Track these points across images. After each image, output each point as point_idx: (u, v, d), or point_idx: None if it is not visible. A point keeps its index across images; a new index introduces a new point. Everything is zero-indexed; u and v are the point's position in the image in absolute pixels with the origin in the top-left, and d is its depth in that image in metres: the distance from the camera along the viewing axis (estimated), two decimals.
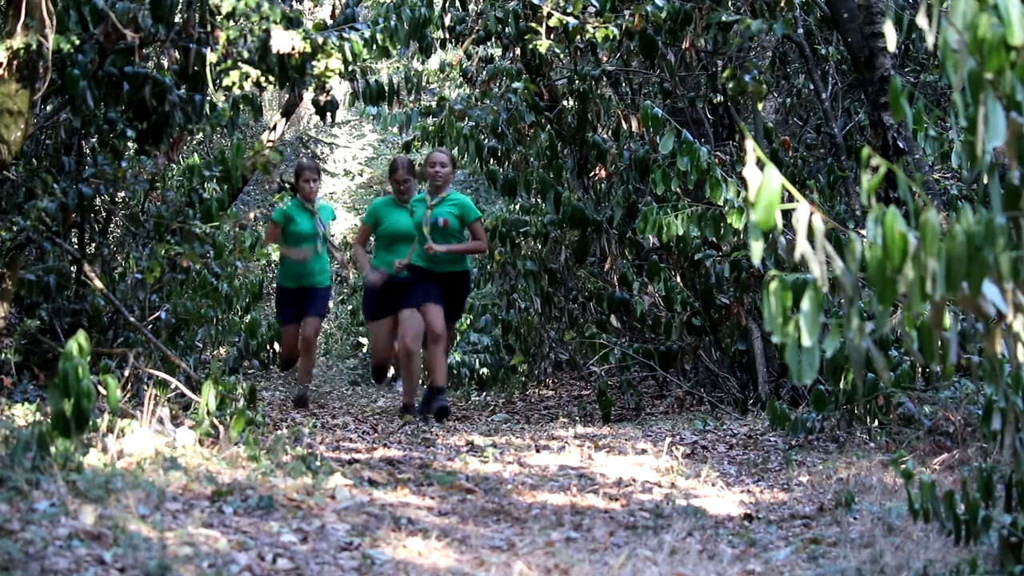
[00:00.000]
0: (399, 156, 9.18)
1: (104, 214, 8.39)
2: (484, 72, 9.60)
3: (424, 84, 11.05)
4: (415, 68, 11.21)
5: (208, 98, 7.32)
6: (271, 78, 6.90)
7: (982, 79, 2.40)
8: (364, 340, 14.40)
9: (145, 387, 5.78)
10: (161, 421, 5.17)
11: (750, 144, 2.46)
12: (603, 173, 9.14)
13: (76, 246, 7.80)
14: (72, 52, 6.15)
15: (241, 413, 5.40)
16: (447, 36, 9.72)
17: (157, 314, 7.36)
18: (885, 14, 7.36)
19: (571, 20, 8.49)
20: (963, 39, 2.39)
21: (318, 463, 5.14)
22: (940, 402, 6.11)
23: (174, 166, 7.93)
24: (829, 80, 9.28)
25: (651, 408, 9.03)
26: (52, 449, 4.10)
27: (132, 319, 6.95)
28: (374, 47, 7.71)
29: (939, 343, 2.60)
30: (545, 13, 8.62)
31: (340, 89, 10.01)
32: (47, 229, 6.90)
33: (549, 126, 9.28)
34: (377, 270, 8.61)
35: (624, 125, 8.98)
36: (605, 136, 9.24)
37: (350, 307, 15.37)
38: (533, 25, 8.79)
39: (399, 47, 8.35)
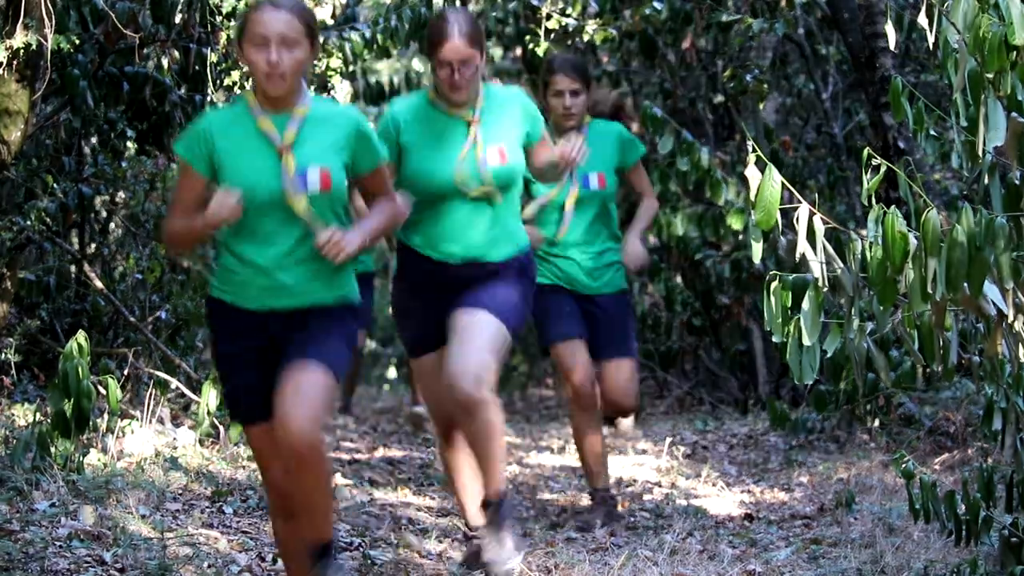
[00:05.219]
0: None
1: (104, 214, 8.38)
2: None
3: (424, 84, 11.04)
4: (415, 68, 11.19)
5: (208, 98, 7.31)
6: None
7: (982, 79, 2.40)
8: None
9: (145, 387, 5.78)
10: (161, 421, 5.18)
11: (751, 144, 2.46)
12: None
13: (76, 246, 7.79)
14: (72, 52, 6.14)
15: None
16: None
17: (157, 314, 7.35)
18: (886, 14, 7.36)
19: (570, 21, 8.47)
20: (963, 39, 2.39)
21: None
22: (941, 402, 6.10)
23: (174, 166, 7.92)
24: (829, 80, 9.26)
25: (651, 408, 9.02)
26: (52, 449, 4.10)
27: (132, 319, 6.94)
28: (374, 47, 7.70)
29: (940, 343, 2.60)
30: (544, 15, 8.60)
31: (340, 89, 10.00)
32: (47, 229, 6.89)
33: None
34: None
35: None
36: None
37: None
38: (533, 27, 8.77)
39: (399, 47, 8.33)
